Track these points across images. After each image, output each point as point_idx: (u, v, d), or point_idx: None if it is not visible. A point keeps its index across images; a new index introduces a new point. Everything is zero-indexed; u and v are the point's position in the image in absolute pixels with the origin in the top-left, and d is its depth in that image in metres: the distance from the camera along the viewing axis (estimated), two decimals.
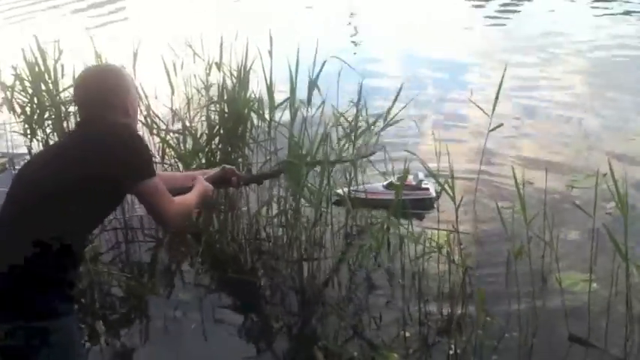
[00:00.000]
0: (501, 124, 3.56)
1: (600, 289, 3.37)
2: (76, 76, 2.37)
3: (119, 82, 2.27)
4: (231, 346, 3.32)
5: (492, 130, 3.58)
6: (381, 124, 4.13)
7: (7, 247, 2.01)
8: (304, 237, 4.00)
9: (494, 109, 3.51)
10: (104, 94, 2.21)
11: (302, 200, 3.90)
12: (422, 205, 4.26)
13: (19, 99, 5.03)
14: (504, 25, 10.29)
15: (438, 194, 4.29)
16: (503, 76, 3.42)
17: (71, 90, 3.81)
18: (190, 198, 2.41)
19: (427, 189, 4.43)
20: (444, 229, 3.62)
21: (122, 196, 2.28)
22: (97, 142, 2.12)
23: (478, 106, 3.62)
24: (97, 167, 2.06)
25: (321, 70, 3.97)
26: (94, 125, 2.19)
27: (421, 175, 4.41)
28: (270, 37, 4.18)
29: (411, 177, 4.15)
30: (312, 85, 3.89)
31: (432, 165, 3.50)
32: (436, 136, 3.74)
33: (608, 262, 3.28)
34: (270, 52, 4.20)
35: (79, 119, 2.38)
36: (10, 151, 5.52)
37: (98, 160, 2.07)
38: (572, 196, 4.41)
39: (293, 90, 3.95)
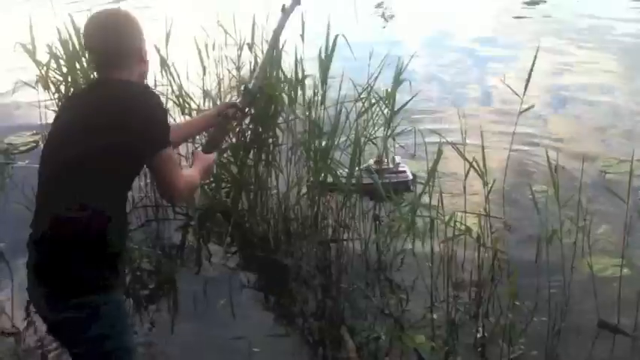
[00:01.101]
0: (532, 106, 3.51)
1: (632, 275, 3.32)
2: (87, 22, 2.24)
3: (134, 26, 2.20)
4: (258, 324, 3.36)
5: (523, 111, 3.53)
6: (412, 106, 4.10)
7: (51, 224, 1.98)
8: (332, 218, 4.00)
9: (525, 91, 3.46)
10: (122, 39, 2.14)
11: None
12: (400, 189, 4.23)
13: (53, 77, 5.09)
14: (538, 8, 10.12)
15: (415, 177, 4.37)
16: (535, 58, 3.37)
17: None
18: (195, 175, 2.37)
19: (404, 171, 4.42)
20: (474, 212, 3.59)
21: (142, 165, 2.21)
22: (116, 111, 2.06)
23: (510, 87, 3.57)
24: (119, 136, 2.01)
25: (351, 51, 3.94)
26: (112, 87, 2.12)
27: (398, 159, 4.38)
28: (302, 19, 4.16)
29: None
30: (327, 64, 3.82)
31: (461, 147, 3.47)
32: (467, 118, 3.69)
33: None
34: (302, 36, 4.18)
35: (95, 72, 2.31)
36: (44, 128, 5.61)
37: (119, 129, 2.02)
38: (605, 181, 4.35)
39: (324, 70, 3.93)
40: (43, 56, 4.87)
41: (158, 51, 4.68)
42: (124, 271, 2.25)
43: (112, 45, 2.14)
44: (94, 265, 1.98)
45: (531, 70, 3.46)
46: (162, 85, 4.78)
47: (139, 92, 2.13)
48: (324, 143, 3.83)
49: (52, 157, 2.11)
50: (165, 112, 2.17)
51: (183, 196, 2.28)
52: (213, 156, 2.59)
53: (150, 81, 4.72)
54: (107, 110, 2.07)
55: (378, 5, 10.58)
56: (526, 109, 3.59)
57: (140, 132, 2.03)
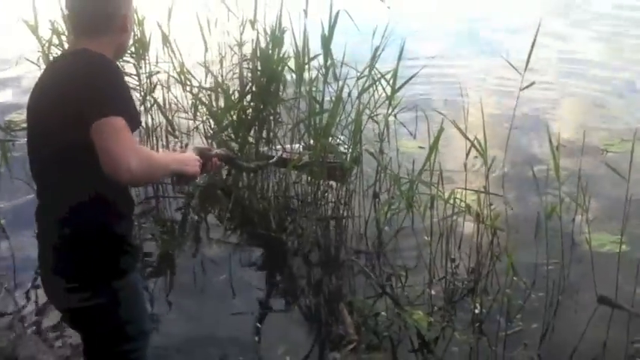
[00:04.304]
0: (533, 83, 3.48)
1: (630, 251, 3.33)
2: None
3: None
4: (257, 300, 3.38)
5: (524, 88, 3.50)
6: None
7: (51, 210, 1.93)
8: (332, 195, 4.01)
9: (526, 67, 3.43)
10: (105, 3, 1.96)
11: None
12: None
13: (55, 53, 5.08)
14: None
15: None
16: (536, 35, 3.34)
17: None
18: (161, 157, 2.01)
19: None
20: (473, 190, 3.59)
21: None
22: (65, 83, 1.87)
23: (510, 64, 3.55)
24: (68, 109, 1.81)
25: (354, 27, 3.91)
26: (71, 59, 1.94)
27: (342, 138, 4.17)
28: None
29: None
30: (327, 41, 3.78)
31: (462, 125, 3.46)
32: (467, 96, 3.68)
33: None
34: (305, 11, 4.16)
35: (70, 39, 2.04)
36: None
37: (67, 102, 1.82)
38: (606, 159, 4.34)
39: (326, 48, 3.91)
40: (45, 32, 4.86)
41: (160, 27, 4.68)
42: (136, 251, 2.13)
43: (93, 6, 1.95)
44: (102, 251, 1.93)
45: (532, 47, 3.43)
46: (164, 61, 4.78)
47: (88, 60, 1.88)
48: (325, 121, 3.83)
49: (30, 142, 2.00)
50: (114, 79, 1.86)
51: (133, 172, 1.72)
52: (196, 157, 2.12)
53: (151, 57, 4.77)
54: (60, 83, 1.89)
55: None
56: (527, 87, 3.56)
57: (80, 98, 1.79)
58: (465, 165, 3.51)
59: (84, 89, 1.80)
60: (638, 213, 3.41)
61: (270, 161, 3.29)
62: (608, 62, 6.47)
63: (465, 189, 3.56)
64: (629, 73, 6.20)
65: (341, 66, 3.92)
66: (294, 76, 4.10)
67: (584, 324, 3.03)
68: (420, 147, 4.57)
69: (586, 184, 3.26)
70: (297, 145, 4.18)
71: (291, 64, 4.18)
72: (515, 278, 3.16)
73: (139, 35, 4.60)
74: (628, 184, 3.16)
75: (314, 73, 4.00)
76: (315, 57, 3.97)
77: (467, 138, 3.42)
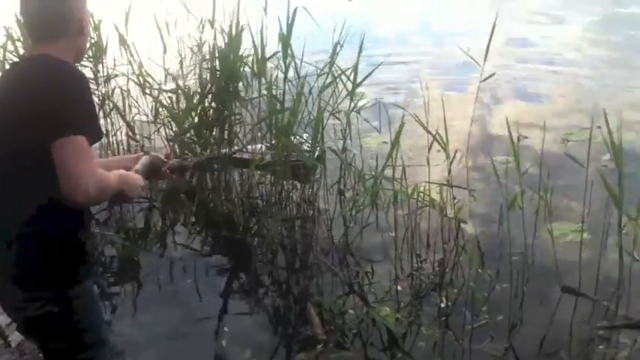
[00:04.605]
0: (493, 74, 3.51)
1: (592, 239, 3.37)
2: None
3: None
4: (223, 303, 3.34)
5: (484, 80, 3.53)
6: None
7: (4, 223, 1.89)
8: (297, 195, 3.99)
9: (485, 59, 3.45)
10: (61, 4, 1.92)
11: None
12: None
13: (10, 60, 4.97)
14: None
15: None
16: (493, 27, 3.37)
17: None
18: (111, 177, 1.92)
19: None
20: (437, 183, 3.60)
21: None
22: (26, 91, 1.81)
23: (470, 56, 3.56)
24: (27, 119, 1.77)
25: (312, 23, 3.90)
26: (32, 64, 1.90)
27: (305, 136, 4.18)
28: None
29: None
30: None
31: (424, 119, 3.47)
32: (429, 89, 3.68)
33: (600, 213, 3.27)
34: (265, 9, 4.13)
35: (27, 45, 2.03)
36: None
37: (26, 111, 1.78)
38: (567, 149, 4.39)
39: (285, 46, 3.88)
40: None
41: (117, 29, 4.62)
42: (92, 259, 2.09)
43: (48, 10, 1.91)
44: (59, 258, 1.90)
45: (490, 39, 3.45)
46: (123, 64, 4.72)
47: (51, 68, 1.84)
48: (286, 119, 3.81)
49: None
50: (83, 95, 1.84)
51: (89, 195, 1.75)
52: (139, 177, 2.09)
53: (109, 61, 4.70)
54: (20, 90, 1.84)
55: None
56: (486, 78, 3.59)
57: (43, 111, 1.76)
58: (428, 159, 3.52)
59: (47, 102, 1.77)
60: (597, 200, 3.46)
61: (231, 152, 3.27)
62: (567, 53, 6.54)
63: (429, 183, 3.58)
64: (589, 63, 6.27)
65: (301, 63, 3.90)
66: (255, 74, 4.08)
67: (549, 314, 3.05)
68: (384, 142, 4.56)
69: (547, 174, 3.29)
70: (259, 145, 4.15)
71: (251, 62, 4.16)
72: (479, 270, 3.17)
73: (95, 39, 4.53)
74: (587, 172, 3.20)
75: (274, 72, 3.98)
76: (273, 55, 3.94)
77: (428, 132, 3.44)
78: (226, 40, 4.23)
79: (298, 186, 4.00)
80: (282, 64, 3.89)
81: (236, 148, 4.17)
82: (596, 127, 3.32)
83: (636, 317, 2.93)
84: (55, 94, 1.78)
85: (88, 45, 2.17)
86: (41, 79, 1.81)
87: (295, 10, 3.77)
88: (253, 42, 3.95)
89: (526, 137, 4.37)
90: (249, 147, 4.15)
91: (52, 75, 1.82)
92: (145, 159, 2.21)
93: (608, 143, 3.02)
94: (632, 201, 3.02)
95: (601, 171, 3.64)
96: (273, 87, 3.90)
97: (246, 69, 4.16)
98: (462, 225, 3.54)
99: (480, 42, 3.62)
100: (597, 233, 3.25)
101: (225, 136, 4.24)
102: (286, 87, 3.90)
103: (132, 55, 4.63)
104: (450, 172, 3.48)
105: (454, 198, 3.64)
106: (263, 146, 4.11)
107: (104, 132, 4.63)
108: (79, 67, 2.11)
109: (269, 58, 3.93)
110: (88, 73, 4.56)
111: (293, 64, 3.88)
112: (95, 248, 3.75)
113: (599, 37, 7.25)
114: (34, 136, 1.75)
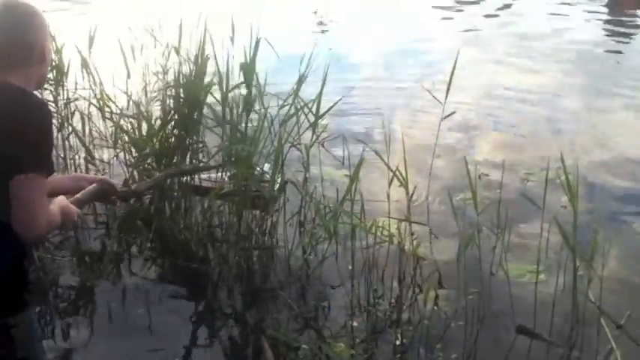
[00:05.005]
0: (454, 112, 3.57)
1: (548, 280, 3.38)
2: None
3: (36, 20, 1.96)
4: (177, 334, 3.27)
5: (445, 118, 3.58)
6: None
7: None
8: (257, 225, 3.95)
9: (446, 97, 3.51)
10: (22, 33, 1.92)
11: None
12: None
13: None
14: (468, 10, 10.31)
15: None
16: (455, 64, 3.42)
17: None
18: (57, 214, 2.01)
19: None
20: (396, 218, 3.60)
21: None
22: None
23: (432, 94, 3.61)
24: None
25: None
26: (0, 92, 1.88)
27: (266, 167, 4.12)
28: (233, 25, 4.10)
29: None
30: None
31: (384, 155, 3.48)
32: (389, 124, 3.71)
33: (557, 254, 3.30)
34: (232, 38, 4.13)
35: None
36: None
37: None
38: (526, 189, 4.43)
39: (248, 76, 3.87)
40: None
41: (80, 53, 4.57)
42: (32, 287, 2.05)
43: (11, 40, 1.91)
44: (4, 286, 1.87)
45: (451, 76, 3.51)
46: (84, 88, 4.66)
47: (27, 103, 1.86)
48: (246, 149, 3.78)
49: None
50: (46, 133, 1.88)
51: (41, 234, 1.88)
52: (75, 208, 2.17)
53: (70, 83, 4.65)
54: None
55: (315, 12, 10.60)
56: (447, 116, 3.64)
57: (5, 146, 1.78)
58: (388, 194, 3.52)
59: (11, 136, 1.78)
60: (554, 242, 3.49)
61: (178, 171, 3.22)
62: (529, 91, 6.65)
63: (389, 218, 3.58)
64: (550, 103, 6.38)
65: (263, 94, 3.89)
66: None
67: (504, 353, 3.05)
68: (346, 175, 4.55)
69: (505, 214, 3.32)
70: (220, 174, 4.11)
71: (215, 91, 4.14)
72: (436, 308, 3.16)
73: (57, 62, 4.47)
74: (542, 214, 3.24)
75: (238, 101, 3.97)
76: (237, 86, 3.94)
77: (389, 167, 3.45)
78: (192, 68, 4.22)
79: (258, 216, 3.96)
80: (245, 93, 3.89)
81: (199, 181, 4.13)
82: (556, 169, 3.38)
83: None
84: (20, 131, 1.79)
85: (48, 71, 2.15)
86: (5, 111, 1.81)
87: (258, 42, 3.78)
88: (218, 70, 3.94)
89: (487, 175, 4.40)
90: (212, 175, 4.13)
91: (17, 108, 1.82)
92: (93, 187, 2.27)
93: (565, 185, 3.06)
94: (588, 242, 3.05)
95: (559, 212, 3.71)
96: (234, 117, 3.89)
97: (210, 98, 4.14)
98: (421, 261, 3.53)
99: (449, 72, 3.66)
100: (553, 274, 3.28)
101: (187, 163, 4.19)
102: (249, 117, 3.89)
103: (94, 79, 4.58)
104: (409, 207, 3.49)
105: (412, 234, 3.64)
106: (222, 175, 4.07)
107: (62, 155, 4.58)
108: (38, 91, 2.11)
109: (232, 89, 3.91)
110: (48, 96, 4.50)
111: (257, 94, 3.87)
112: (47, 273, 3.66)
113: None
114: None
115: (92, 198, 2.36)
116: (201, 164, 4.20)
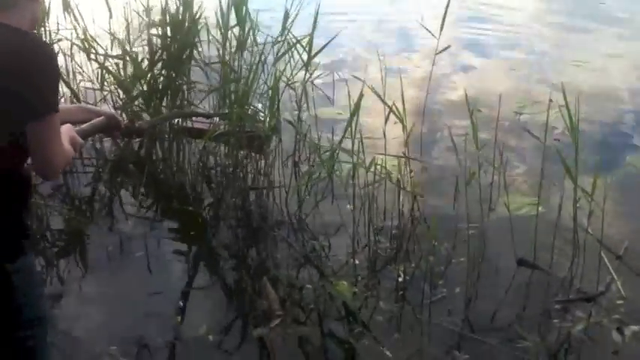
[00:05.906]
0: (448, 47, 3.50)
1: (547, 212, 3.39)
2: None
3: None
4: (176, 278, 3.24)
5: (439, 52, 3.51)
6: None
7: None
8: (252, 166, 3.90)
9: (441, 31, 3.43)
10: None
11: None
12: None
13: None
14: None
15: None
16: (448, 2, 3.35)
17: None
18: (70, 150, 1.98)
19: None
20: (393, 155, 3.56)
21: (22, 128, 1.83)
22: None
23: (426, 28, 3.53)
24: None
25: None
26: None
27: (260, 106, 4.08)
28: None
29: None
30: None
31: (380, 90, 3.41)
32: (384, 61, 3.63)
33: (555, 187, 3.30)
34: None
35: None
36: None
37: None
38: (520, 122, 4.41)
39: (240, 14, 3.76)
40: None
41: None
42: (31, 231, 2.02)
43: None
44: (3, 233, 1.84)
45: (446, 10, 3.42)
46: (66, 28, 4.51)
47: (30, 43, 1.77)
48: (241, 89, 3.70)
49: None
50: (58, 71, 1.86)
51: (59, 171, 1.91)
52: (80, 139, 2.14)
53: (52, 24, 4.49)
54: None
55: None
56: (442, 50, 3.57)
57: (15, 91, 1.71)
58: (384, 131, 3.48)
59: (17, 78, 1.70)
60: (552, 174, 3.49)
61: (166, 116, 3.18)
62: (521, 25, 6.58)
63: (385, 155, 3.55)
64: (541, 36, 6.33)
65: (256, 32, 3.79)
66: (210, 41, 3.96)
67: (506, 286, 3.07)
68: (339, 113, 4.50)
69: (502, 148, 3.30)
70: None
71: (203, 30, 4.02)
72: (436, 244, 3.17)
73: None
74: (544, 146, 3.22)
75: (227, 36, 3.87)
76: (233, 27, 3.82)
77: (385, 104, 3.40)
78: (178, 4, 4.08)
79: (253, 157, 3.91)
80: (238, 32, 3.78)
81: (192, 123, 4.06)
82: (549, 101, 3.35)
83: (590, 291, 2.98)
84: (29, 74, 1.72)
85: (40, 12, 2.03)
86: (10, 55, 1.72)
87: None
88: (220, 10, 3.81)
89: (479, 110, 4.36)
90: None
91: (23, 50, 1.74)
92: (99, 120, 2.27)
93: (566, 117, 3.03)
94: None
95: (555, 145, 3.70)
96: (227, 55, 3.79)
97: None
98: (419, 198, 3.52)
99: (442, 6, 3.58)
100: (553, 206, 3.28)
101: (177, 104, 4.11)
102: (242, 56, 3.80)
103: (76, 19, 4.42)
104: (407, 144, 3.45)
105: (411, 171, 3.61)
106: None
107: None
108: None
109: (233, 27, 3.80)
110: None
111: (250, 32, 3.77)
112: (40, 220, 3.60)
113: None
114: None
115: (97, 130, 2.36)
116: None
